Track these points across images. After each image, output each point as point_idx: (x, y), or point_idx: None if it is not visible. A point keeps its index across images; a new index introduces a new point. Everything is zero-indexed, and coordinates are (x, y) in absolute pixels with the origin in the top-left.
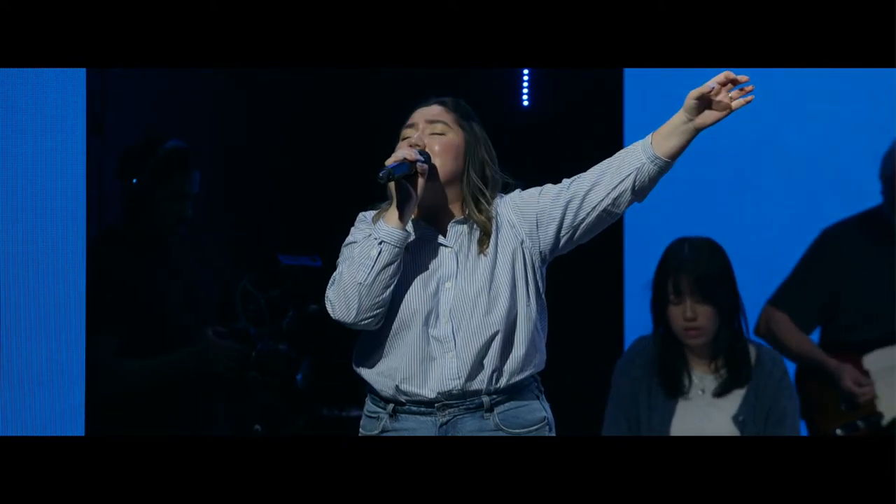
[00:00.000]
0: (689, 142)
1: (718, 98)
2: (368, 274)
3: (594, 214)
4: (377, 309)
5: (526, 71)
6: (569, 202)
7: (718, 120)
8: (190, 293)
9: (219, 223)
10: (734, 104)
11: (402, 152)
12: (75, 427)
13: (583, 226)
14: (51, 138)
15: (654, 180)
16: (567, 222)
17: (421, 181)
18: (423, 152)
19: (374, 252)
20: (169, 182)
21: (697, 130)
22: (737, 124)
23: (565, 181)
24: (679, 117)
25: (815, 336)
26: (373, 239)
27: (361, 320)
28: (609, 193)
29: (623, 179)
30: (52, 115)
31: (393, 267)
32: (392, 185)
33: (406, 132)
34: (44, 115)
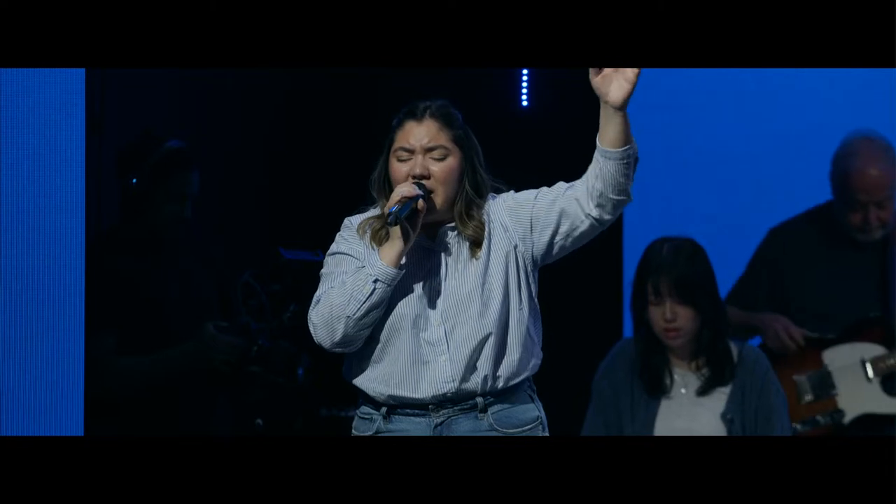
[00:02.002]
0: (620, 124)
1: (617, 71)
2: (359, 308)
3: (587, 223)
4: (358, 339)
5: (525, 71)
6: (563, 210)
7: (628, 91)
8: (190, 292)
9: (220, 221)
10: (631, 71)
11: (402, 190)
12: (74, 427)
13: (576, 233)
14: (50, 138)
15: (623, 173)
16: (563, 230)
17: (420, 218)
18: (420, 185)
19: (368, 289)
20: (169, 182)
21: (617, 108)
22: (736, 125)
23: (561, 186)
24: (602, 106)
25: None
26: (367, 274)
27: (342, 347)
28: (588, 201)
29: (594, 183)
30: (51, 116)
31: (385, 304)
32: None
33: (402, 154)
34: (43, 115)
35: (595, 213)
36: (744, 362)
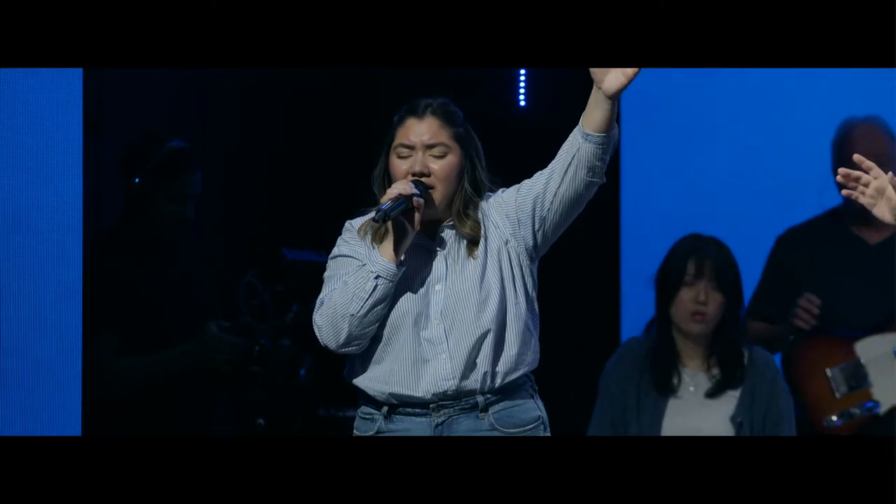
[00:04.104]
0: (608, 111)
1: None
2: (362, 307)
3: (556, 204)
4: (363, 339)
5: (523, 71)
6: (536, 197)
7: (623, 84)
8: (190, 292)
9: (221, 221)
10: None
11: (398, 188)
12: (72, 427)
13: (550, 216)
14: (48, 138)
15: (599, 157)
16: (538, 216)
17: (417, 215)
18: (418, 183)
19: (370, 286)
20: (171, 182)
21: (610, 98)
22: (735, 123)
23: (538, 174)
24: (593, 90)
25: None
26: (368, 271)
27: (347, 347)
28: (563, 180)
29: (569, 163)
30: (48, 115)
31: (387, 300)
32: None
33: (402, 151)
34: (41, 115)
35: (567, 192)
36: (754, 365)
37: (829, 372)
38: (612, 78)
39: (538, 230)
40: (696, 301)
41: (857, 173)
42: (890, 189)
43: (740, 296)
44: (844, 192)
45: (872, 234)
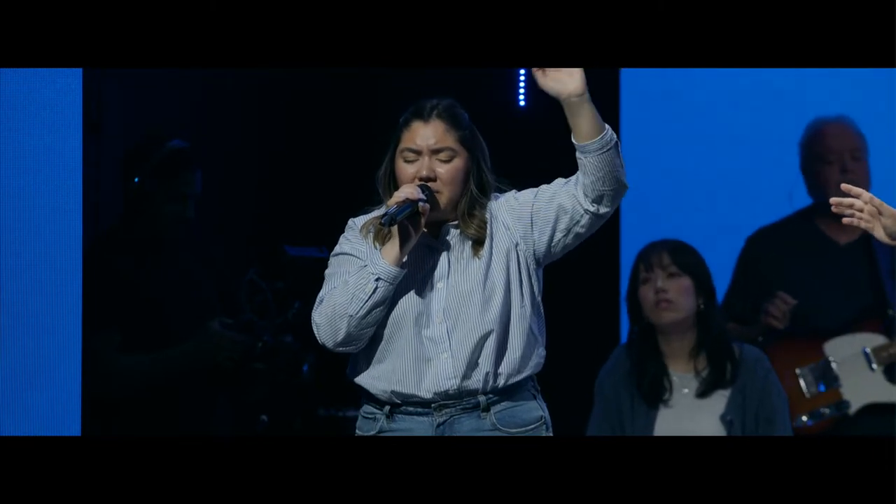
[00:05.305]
0: (589, 112)
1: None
2: (361, 307)
3: (585, 217)
4: (361, 339)
5: (522, 71)
6: (561, 206)
7: (581, 74)
8: (190, 292)
9: (221, 220)
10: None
11: (405, 192)
12: (72, 427)
13: (576, 229)
14: (47, 138)
15: (607, 163)
16: (562, 226)
17: (422, 220)
18: (425, 187)
19: (370, 287)
20: (171, 182)
21: (580, 96)
22: (735, 127)
23: (559, 182)
24: (564, 105)
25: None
26: (369, 273)
27: (345, 347)
28: (584, 197)
29: (584, 180)
30: (48, 115)
31: (387, 302)
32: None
33: (408, 155)
34: (40, 115)
35: (592, 207)
36: (745, 363)
37: (799, 372)
38: (568, 78)
39: (557, 238)
40: (656, 290)
41: (849, 200)
42: (885, 209)
43: (709, 282)
44: (845, 220)
45: (842, 235)
